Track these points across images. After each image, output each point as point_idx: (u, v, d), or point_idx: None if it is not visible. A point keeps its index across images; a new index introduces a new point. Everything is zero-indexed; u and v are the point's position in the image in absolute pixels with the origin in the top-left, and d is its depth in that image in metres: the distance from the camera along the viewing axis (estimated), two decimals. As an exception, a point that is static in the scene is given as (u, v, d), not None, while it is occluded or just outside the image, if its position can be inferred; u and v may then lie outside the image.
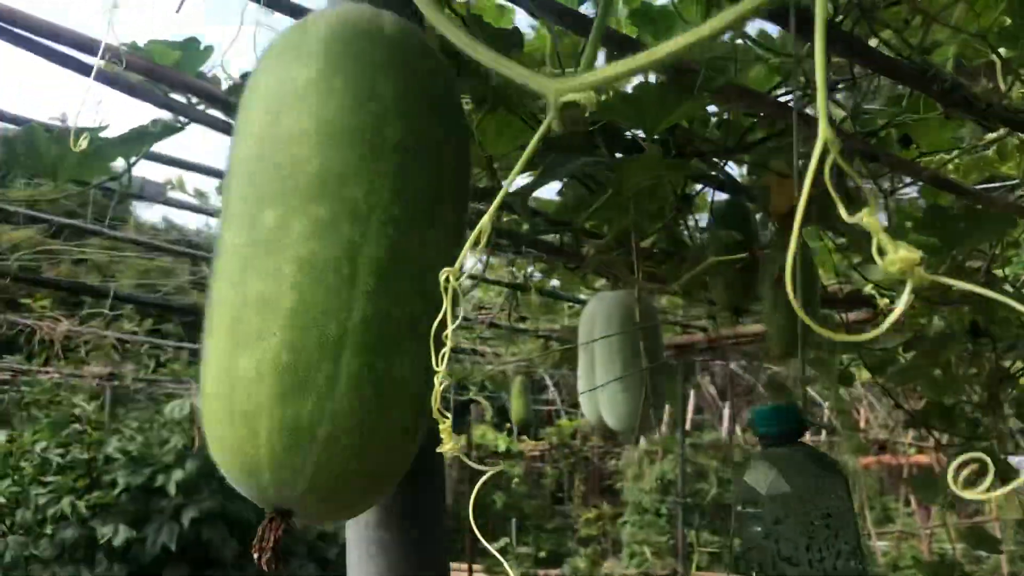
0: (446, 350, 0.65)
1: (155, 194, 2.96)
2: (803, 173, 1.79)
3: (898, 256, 0.42)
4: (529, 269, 3.68)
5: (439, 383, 0.66)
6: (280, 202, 0.80)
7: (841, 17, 1.56)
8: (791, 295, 0.52)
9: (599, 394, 2.46)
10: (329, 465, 0.76)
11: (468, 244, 0.60)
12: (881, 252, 0.44)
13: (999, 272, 2.68)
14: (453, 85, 0.95)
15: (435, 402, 0.66)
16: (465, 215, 0.92)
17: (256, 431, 0.76)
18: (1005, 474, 3.18)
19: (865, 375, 4.10)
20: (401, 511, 0.90)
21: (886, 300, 3.22)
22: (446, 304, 0.63)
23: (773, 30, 2.01)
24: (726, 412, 10.59)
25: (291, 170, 0.81)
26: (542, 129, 0.55)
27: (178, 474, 7.04)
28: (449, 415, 0.67)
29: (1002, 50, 2.02)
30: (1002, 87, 1.97)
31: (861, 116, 2.01)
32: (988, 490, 0.48)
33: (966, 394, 3.10)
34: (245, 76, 1.49)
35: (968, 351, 2.71)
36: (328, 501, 0.79)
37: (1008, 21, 1.73)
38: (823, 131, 0.45)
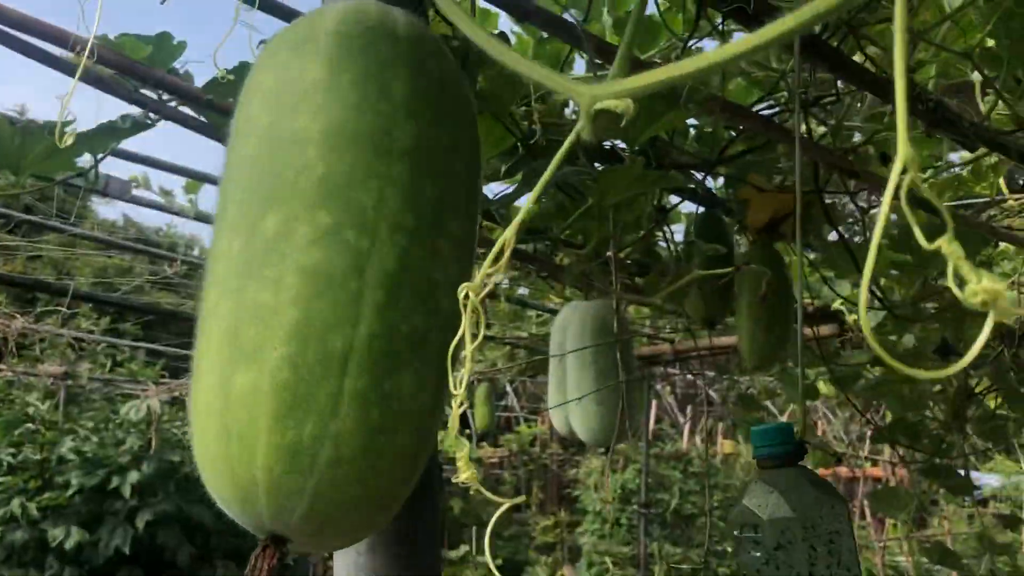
0: (465, 371, 0.62)
1: (120, 191, 2.89)
2: (786, 187, 1.77)
3: (981, 287, 0.39)
4: (500, 276, 3.65)
5: (457, 407, 0.63)
6: (282, 207, 0.76)
7: (828, 34, 1.55)
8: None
9: (571, 405, 2.44)
10: (330, 491, 0.72)
11: (490, 258, 0.56)
12: (960, 281, 0.41)
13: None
14: (466, 89, 0.90)
15: (453, 428, 0.62)
16: (475, 227, 0.88)
17: (252, 452, 0.71)
18: (966, 490, 3.20)
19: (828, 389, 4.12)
20: (394, 536, 0.86)
21: (854, 316, 3.24)
22: (465, 322, 0.59)
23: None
24: (687, 423, 10.63)
25: (294, 173, 0.76)
26: (571, 138, 0.52)
27: (134, 476, 6.91)
28: (468, 442, 0.64)
29: (978, 74, 2.03)
30: (981, 107, 1.98)
31: (842, 132, 2.01)
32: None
33: (931, 411, 3.12)
34: (234, 71, 1.45)
35: (938, 368, 2.71)
36: (327, 529, 0.75)
37: (991, 43, 1.74)
38: (903, 148, 0.42)
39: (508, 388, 11.98)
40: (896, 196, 0.43)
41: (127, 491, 6.86)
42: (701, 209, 2.36)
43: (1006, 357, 2.74)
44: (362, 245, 0.75)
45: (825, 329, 3.27)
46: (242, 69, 1.46)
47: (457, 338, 0.61)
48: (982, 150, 2.04)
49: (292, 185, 0.76)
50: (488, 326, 4.55)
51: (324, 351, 0.72)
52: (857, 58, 1.68)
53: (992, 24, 1.58)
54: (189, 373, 0.80)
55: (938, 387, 3.19)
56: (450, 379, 0.68)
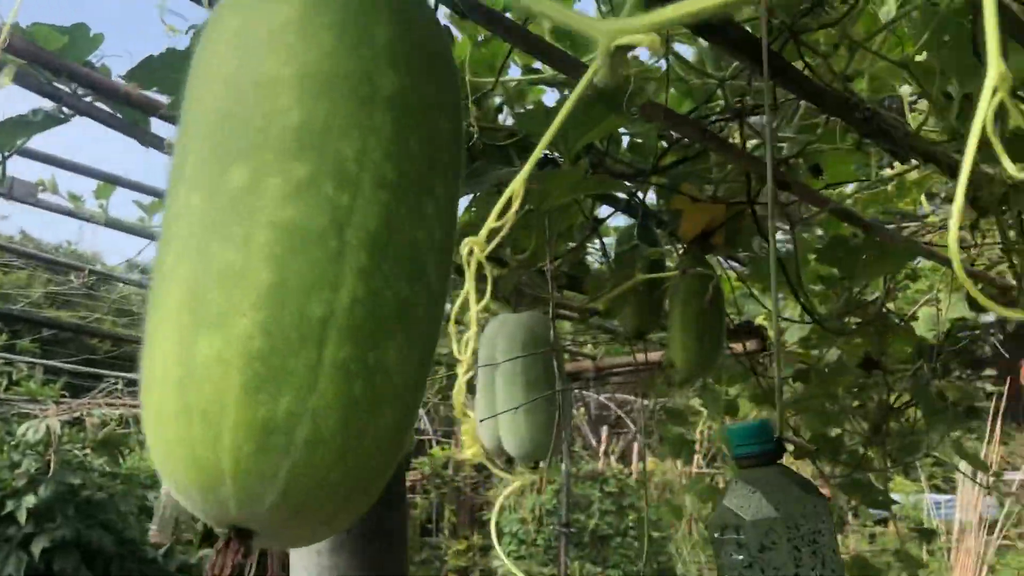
0: (471, 335, 0.56)
1: (25, 194, 2.73)
2: (719, 198, 1.74)
3: None
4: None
5: (464, 372, 0.57)
6: (250, 159, 0.69)
7: (772, 38, 1.55)
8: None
9: (501, 420, 2.38)
10: (307, 474, 0.65)
11: (497, 209, 0.51)
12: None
13: (889, 306, 2.74)
14: (447, 42, 0.84)
15: (458, 396, 0.57)
16: (458, 192, 0.82)
17: (218, 430, 0.64)
18: (885, 505, 3.26)
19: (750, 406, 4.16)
20: (360, 535, 0.79)
21: (777, 331, 3.27)
22: (469, 279, 0.54)
23: (687, 52, 2.01)
24: (602, 443, 10.67)
25: (265, 121, 0.70)
26: (588, 75, 0.48)
27: (30, 500, 6.59)
28: (472, 413, 0.58)
29: (906, 88, 2.06)
30: (909, 120, 2.01)
31: (776, 143, 2.01)
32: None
33: (852, 426, 3.17)
34: (161, 58, 1.37)
35: (860, 383, 2.76)
36: (300, 518, 0.67)
37: (919, 58, 1.76)
38: (995, 63, 0.39)
39: (421, 411, 11.86)
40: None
41: (22, 516, 6.54)
42: (631, 221, 2.35)
43: (925, 372, 2.79)
44: (342, 200, 0.68)
45: (751, 344, 3.29)
46: (169, 56, 1.38)
47: (461, 298, 0.56)
48: (912, 163, 2.07)
49: (262, 134, 0.69)
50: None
51: (301, 317, 0.65)
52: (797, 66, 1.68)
53: (928, 34, 1.60)
54: (140, 344, 0.72)
55: (856, 402, 3.25)
56: (454, 346, 0.62)
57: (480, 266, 0.54)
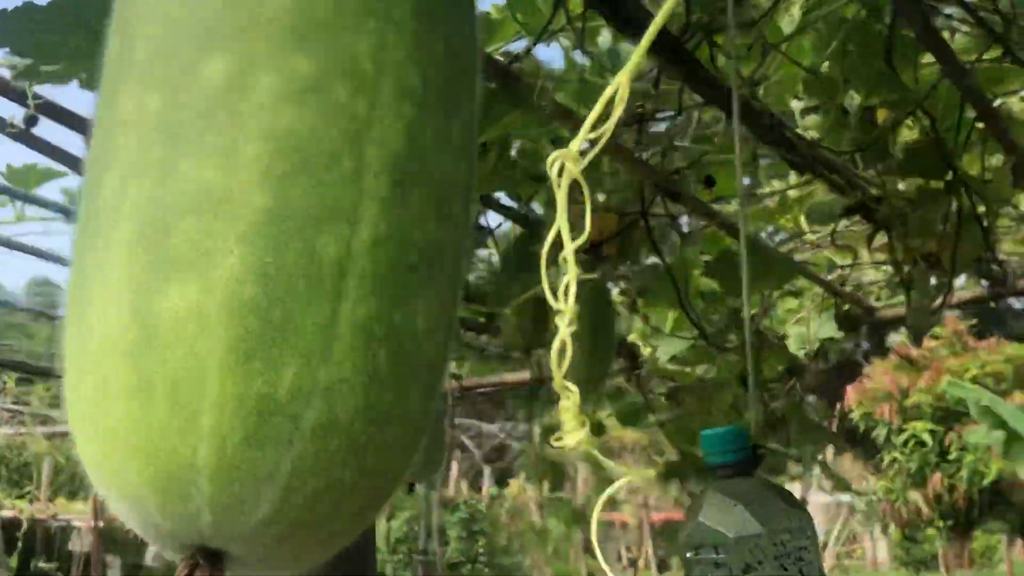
0: (571, 277, 0.44)
1: None
2: (610, 207, 1.66)
3: None
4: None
5: (565, 326, 0.44)
6: (233, 48, 0.53)
7: (687, 36, 1.49)
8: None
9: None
10: (314, 473, 0.49)
11: (593, 116, 0.40)
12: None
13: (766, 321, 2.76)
14: None
15: (557, 363, 0.44)
16: (475, 131, 0.66)
17: (192, 413, 0.47)
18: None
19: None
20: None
21: (649, 349, 3.25)
22: (560, 206, 0.42)
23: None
24: (454, 467, 10.55)
25: (253, 1, 0.54)
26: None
27: None
28: (575, 388, 0.45)
29: (796, 102, 2.06)
30: (799, 129, 1.99)
31: (672, 151, 1.97)
32: None
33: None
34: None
35: (736, 399, 2.75)
36: (298, 537, 0.51)
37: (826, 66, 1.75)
38: None
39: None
40: None
41: None
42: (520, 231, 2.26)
43: (797, 390, 2.82)
44: (358, 108, 0.53)
45: (622, 362, 3.25)
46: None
47: (553, 231, 0.43)
48: (801, 178, 2.07)
49: (251, 16, 0.53)
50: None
51: (310, 256, 0.50)
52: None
53: (836, 43, 1.58)
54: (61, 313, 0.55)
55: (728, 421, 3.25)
56: (548, 295, 0.49)
57: (574, 187, 0.42)
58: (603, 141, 0.43)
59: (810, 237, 2.49)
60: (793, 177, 2.32)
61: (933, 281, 1.86)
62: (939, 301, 1.88)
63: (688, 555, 0.81)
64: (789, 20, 1.73)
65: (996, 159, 1.79)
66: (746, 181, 2.19)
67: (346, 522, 0.54)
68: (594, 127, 0.43)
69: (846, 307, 2.87)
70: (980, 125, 1.64)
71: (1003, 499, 10.25)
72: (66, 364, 0.53)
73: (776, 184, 2.42)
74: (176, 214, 0.50)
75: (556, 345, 0.46)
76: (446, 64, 0.61)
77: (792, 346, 2.81)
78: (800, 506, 0.83)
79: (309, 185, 0.51)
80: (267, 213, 0.50)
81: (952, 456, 10.28)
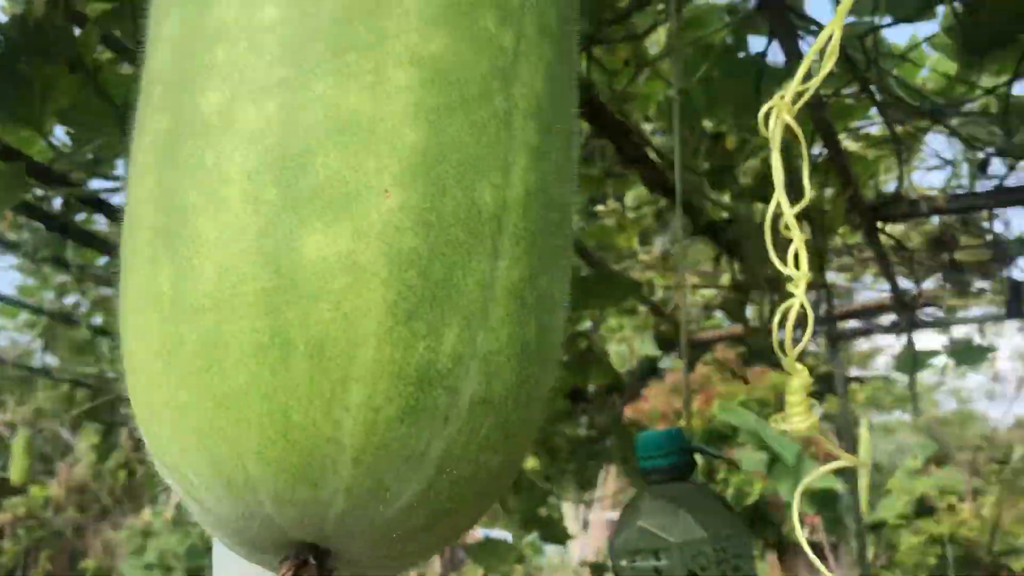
0: (795, 231, 0.39)
1: None
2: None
3: None
4: (75, 297, 3.13)
5: (801, 285, 0.39)
6: None
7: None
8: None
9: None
10: (464, 456, 0.42)
11: (807, 61, 0.35)
12: None
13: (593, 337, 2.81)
14: None
15: (791, 330, 0.38)
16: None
17: (341, 380, 0.39)
18: (562, 539, 3.34)
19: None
20: None
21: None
22: (775, 157, 0.37)
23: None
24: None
25: None
26: None
27: None
28: (804, 369, 0.40)
29: (647, 125, 2.12)
30: (652, 150, 2.04)
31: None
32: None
33: (535, 461, 3.21)
34: None
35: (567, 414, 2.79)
36: (426, 531, 0.43)
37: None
38: None
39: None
40: None
41: None
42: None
43: (617, 406, 2.89)
44: (506, 40, 0.47)
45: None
46: None
47: (774, 199, 0.38)
48: (651, 196, 2.12)
49: None
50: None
51: (470, 206, 0.43)
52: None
53: (704, 67, 1.63)
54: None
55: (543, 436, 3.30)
56: (776, 261, 0.43)
57: (788, 136, 0.38)
58: (817, 82, 0.40)
59: (644, 257, 2.57)
60: (630, 198, 2.38)
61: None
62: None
63: (623, 563, 0.78)
64: (655, 40, 1.78)
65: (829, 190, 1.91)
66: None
67: (471, 518, 0.48)
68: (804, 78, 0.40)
69: (662, 327, 2.98)
70: (822, 157, 1.74)
71: (764, 517, 10.98)
72: (134, 316, 0.43)
73: (612, 204, 2.47)
74: (314, 144, 0.42)
75: (793, 311, 0.42)
76: (568, 6, 0.57)
77: (615, 363, 2.89)
78: (735, 513, 0.83)
79: (465, 123, 0.44)
80: (423, 152, 0.43)
81: (720, 475, 10.92)
